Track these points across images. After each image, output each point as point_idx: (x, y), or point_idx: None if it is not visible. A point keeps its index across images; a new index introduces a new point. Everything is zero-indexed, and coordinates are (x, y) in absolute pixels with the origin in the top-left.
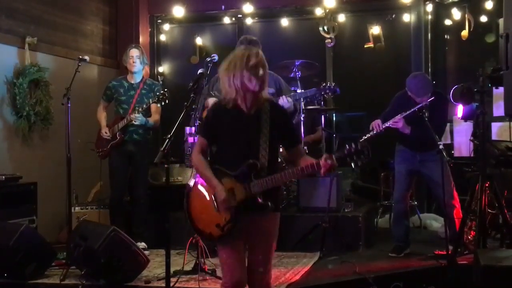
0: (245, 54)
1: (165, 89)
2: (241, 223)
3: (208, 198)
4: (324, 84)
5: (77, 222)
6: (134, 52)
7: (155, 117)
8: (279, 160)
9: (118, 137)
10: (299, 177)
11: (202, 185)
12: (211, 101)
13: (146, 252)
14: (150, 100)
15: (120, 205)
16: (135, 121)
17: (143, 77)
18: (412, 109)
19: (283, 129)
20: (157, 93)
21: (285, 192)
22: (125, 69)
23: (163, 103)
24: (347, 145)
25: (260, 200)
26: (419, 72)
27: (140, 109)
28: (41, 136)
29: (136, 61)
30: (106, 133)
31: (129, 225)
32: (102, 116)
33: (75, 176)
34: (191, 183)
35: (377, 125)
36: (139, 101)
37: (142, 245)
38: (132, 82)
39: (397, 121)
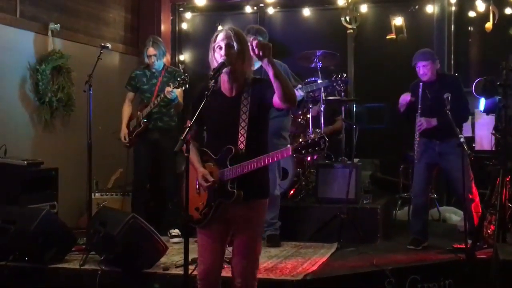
0: (215, 33)
1: (186, 74)
2: (221, 210)
3: (194, 181)
4: (336, 76)
5: (97, 208)
6: (151, 52)
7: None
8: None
9: (142, 125)
10: (269, 162)
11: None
12: None
13: (178, 240)
14: (171, 85)
15: (143, 193)
16: (169, 96)
17: (164, 64)
18: (420, 93)
19: (265, 99)
20: (178, 78)
21: (303, 183)
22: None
23: (183, 88)
24: (308, 137)
25: (228, 187)
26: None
27: (162, 96)
28: (63, 122)
29: (154, 60)
30: (124, 139)
31: (151, 213)
32: (125, 112)
33: (96, 163)
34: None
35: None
36: (161, 89)
37: (175, 232)
38: (154, 70)
39: (420, 124)
